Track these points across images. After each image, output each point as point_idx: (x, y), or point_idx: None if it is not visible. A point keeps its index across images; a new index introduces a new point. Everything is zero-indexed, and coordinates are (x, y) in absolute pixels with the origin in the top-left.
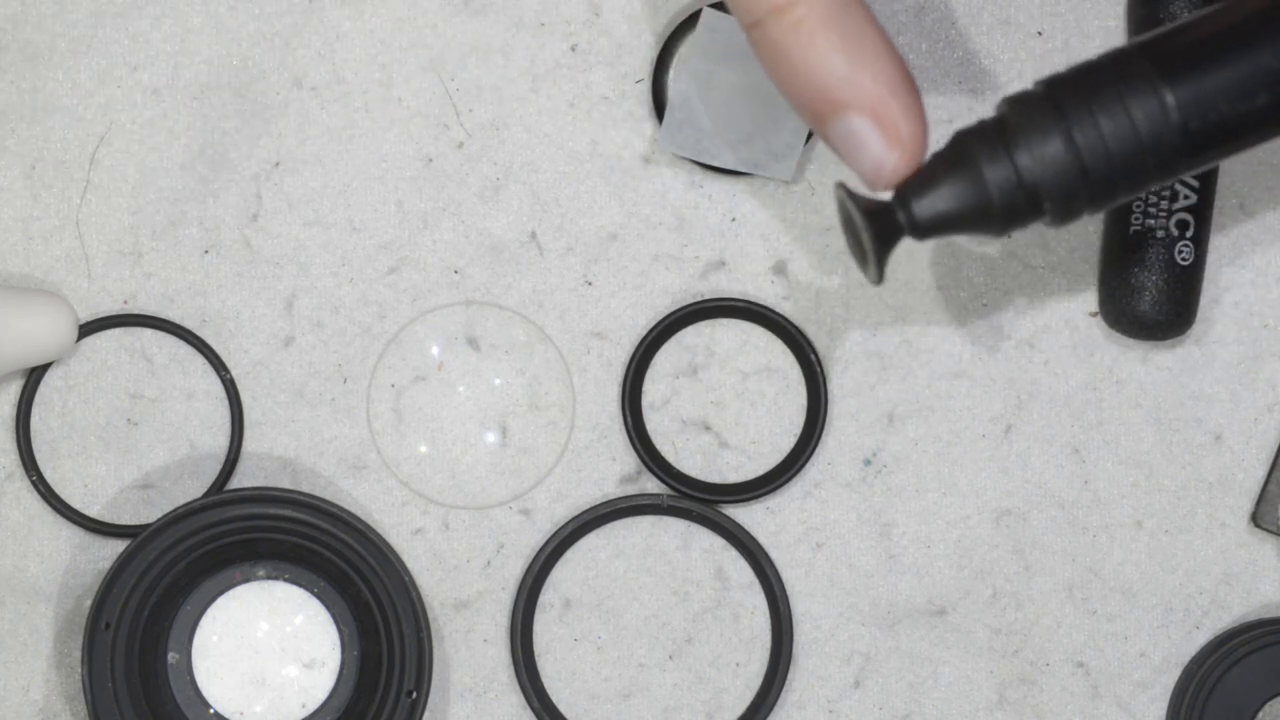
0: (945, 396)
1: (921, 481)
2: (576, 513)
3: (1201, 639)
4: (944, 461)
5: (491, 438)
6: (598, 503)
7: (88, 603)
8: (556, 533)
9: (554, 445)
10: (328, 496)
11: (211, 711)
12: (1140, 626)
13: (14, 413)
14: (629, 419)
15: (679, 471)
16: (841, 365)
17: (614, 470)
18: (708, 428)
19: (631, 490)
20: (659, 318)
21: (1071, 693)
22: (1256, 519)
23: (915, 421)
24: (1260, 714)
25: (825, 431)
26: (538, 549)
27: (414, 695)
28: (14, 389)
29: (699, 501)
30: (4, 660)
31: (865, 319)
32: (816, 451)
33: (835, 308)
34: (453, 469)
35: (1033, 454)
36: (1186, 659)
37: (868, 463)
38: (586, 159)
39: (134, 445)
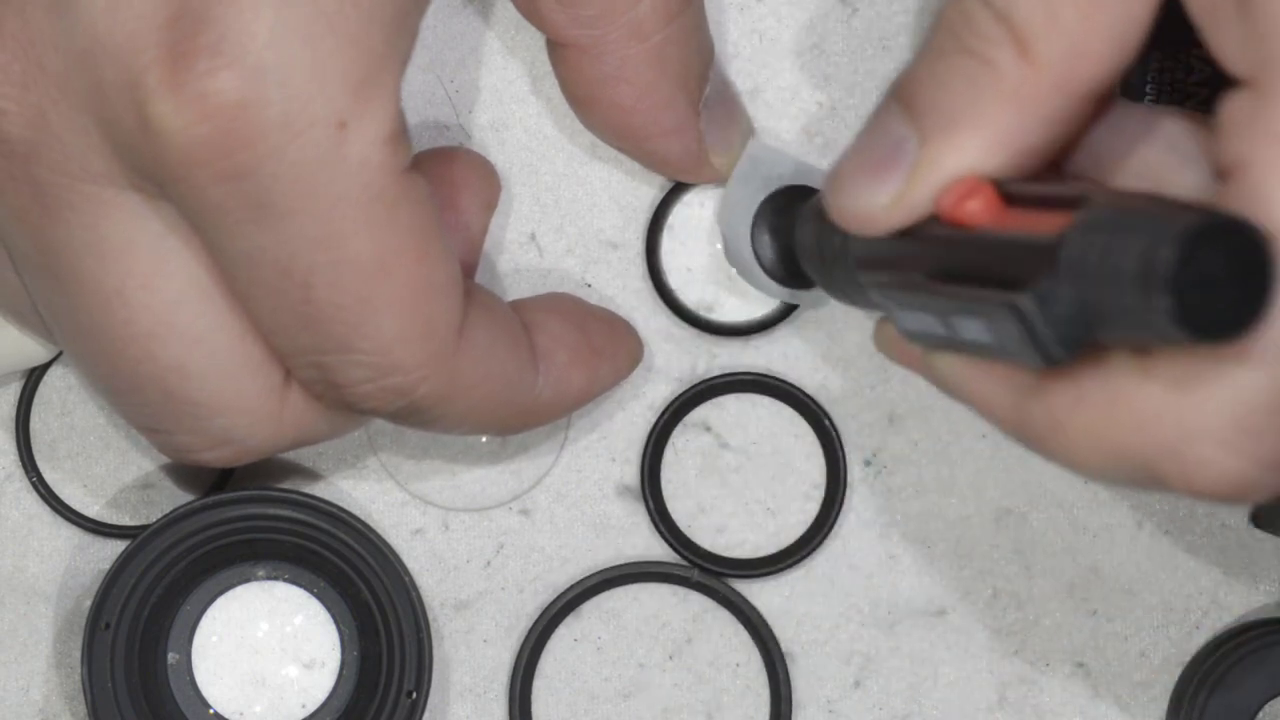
0: (946, 396)
1: (921, 481)
2: (583, 576)
3: (1201, 639)
4: (944, 461)
5: (491, 437)
6: (611, 565)
7: (88, 603)
8: (550, 605)
9: (554, 445)
10: (328, 496)
11: (211, 711)
12: (1140, 626)
13: (14, 413)
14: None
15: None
16: (842, 365)
17: (614, 471)
18: (708, 428)
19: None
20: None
21: (1071, 693)
22: (1256, 519)
23: (915, 421)
24: (1260, 714)
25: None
26: (531, 624)
27: (414, 695)
28: (14, 389)
29: (713, 575)
30: (4, 660)
31: (866, 318)
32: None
33: (835, 308)
34: (452, 469)
35: (1033, 454)
36: (1186, 659)
37: (868, 463)
38: (586, 160)
39: (134, 445)
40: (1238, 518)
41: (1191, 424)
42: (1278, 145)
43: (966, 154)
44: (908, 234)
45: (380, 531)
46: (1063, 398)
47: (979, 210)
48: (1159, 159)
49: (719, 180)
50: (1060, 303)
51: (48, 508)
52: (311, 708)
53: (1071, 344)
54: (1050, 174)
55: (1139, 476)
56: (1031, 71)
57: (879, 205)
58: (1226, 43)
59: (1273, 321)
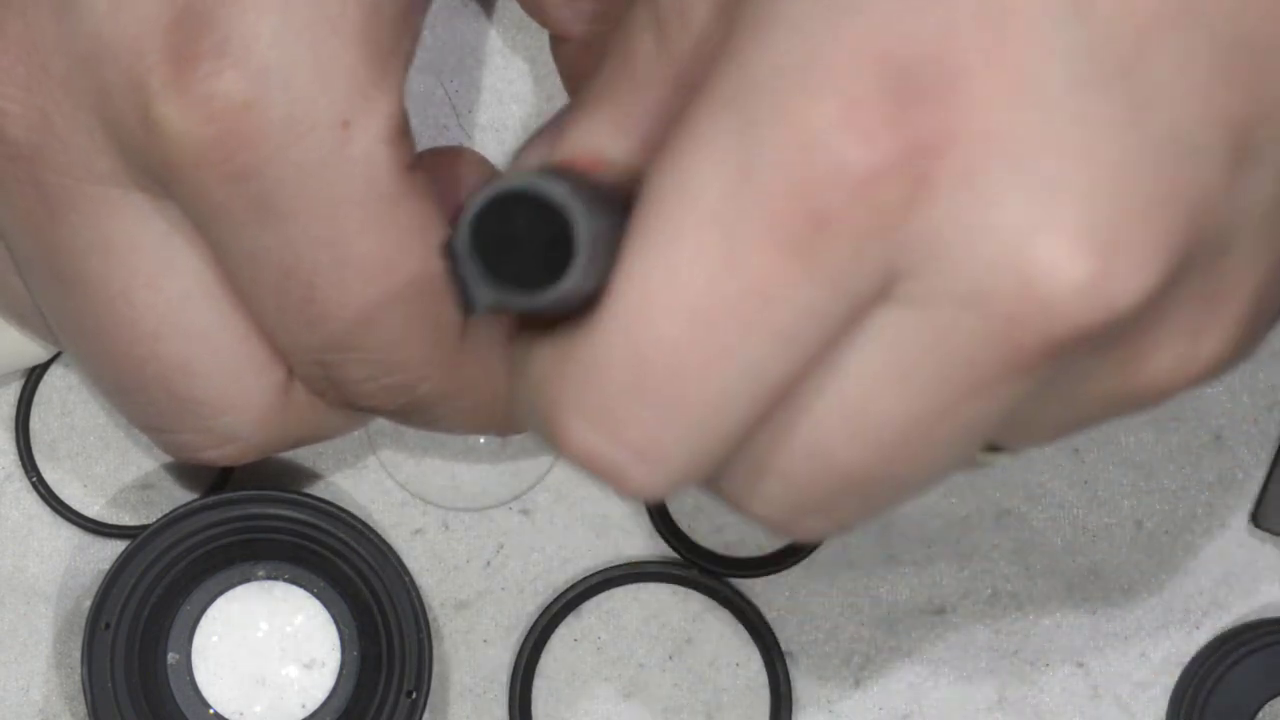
0: None
1: None
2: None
3: (1201, 639)
4: None
5: (491, 437)
6: (611, 565)
7: (88, 603)
8: (550, 605)
9: None
10: (328, 496)
11: (211, 711)
12: (1140, 626)
13: (14, 413)
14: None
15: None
16: None
17: None
18: None
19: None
20: None
21: (1071, 693)
22: (1256, 519)
23: None
24: (1260, 714)
25: None
26: (531, 624)
27: (414, 695)
28: (14, 389)
29: (713, 575)
30: (4, 660)
31: None
32: None
33: None
34: (452, 469)
35: (1033, 454)
36: (1186, 659)
37: None
38: None
39: (134, 445)
40: (1238, 518)
41: (557, 393)
42: (680, 141)
43: (595, 130)
44: None
45: (380, 531)
46: (517, 353)
47: None
48: None
49: None
50: (459, 256)
51: (48, 508)
52: (311, 708)
53: (480, 299)
54: None
55: (549, 444)
56: (665, 62)
57: (529, 169)
58: None
59: (620, 296)
